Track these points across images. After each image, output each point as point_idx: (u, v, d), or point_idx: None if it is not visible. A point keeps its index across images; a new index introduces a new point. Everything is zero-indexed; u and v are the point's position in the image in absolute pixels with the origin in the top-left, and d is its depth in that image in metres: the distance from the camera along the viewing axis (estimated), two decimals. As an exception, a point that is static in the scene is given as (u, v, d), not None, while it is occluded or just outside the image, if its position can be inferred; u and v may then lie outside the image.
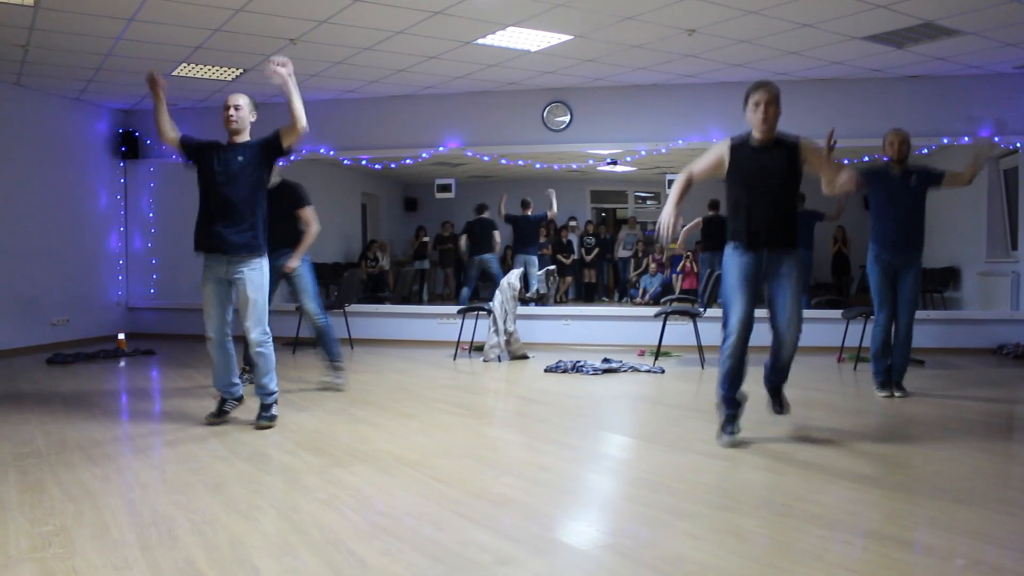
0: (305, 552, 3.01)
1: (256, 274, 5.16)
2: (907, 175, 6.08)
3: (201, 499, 3.70)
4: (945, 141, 9.46)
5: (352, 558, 2.95)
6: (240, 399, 5.44)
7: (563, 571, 2.87)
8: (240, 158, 5.15)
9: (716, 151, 4.68)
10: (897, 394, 6.18)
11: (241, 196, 5.12)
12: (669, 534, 3.20)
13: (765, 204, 4.57)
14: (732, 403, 4.72)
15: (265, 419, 5.22)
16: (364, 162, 11.42)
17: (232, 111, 5.21)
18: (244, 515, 3.45)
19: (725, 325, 4.63)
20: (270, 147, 5.22)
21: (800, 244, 4.68)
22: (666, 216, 4.60)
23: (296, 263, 6.59)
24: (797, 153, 4.58)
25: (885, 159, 6.23)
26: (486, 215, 11.35)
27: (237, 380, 5.40)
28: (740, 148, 4.63)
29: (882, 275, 6.13)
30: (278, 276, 6.69)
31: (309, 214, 6.76)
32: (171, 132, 5.24)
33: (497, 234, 11.32)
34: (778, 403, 5.01)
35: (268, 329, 5.25)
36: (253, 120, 5.31)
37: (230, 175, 5.12)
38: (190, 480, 4.03)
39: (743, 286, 4.58)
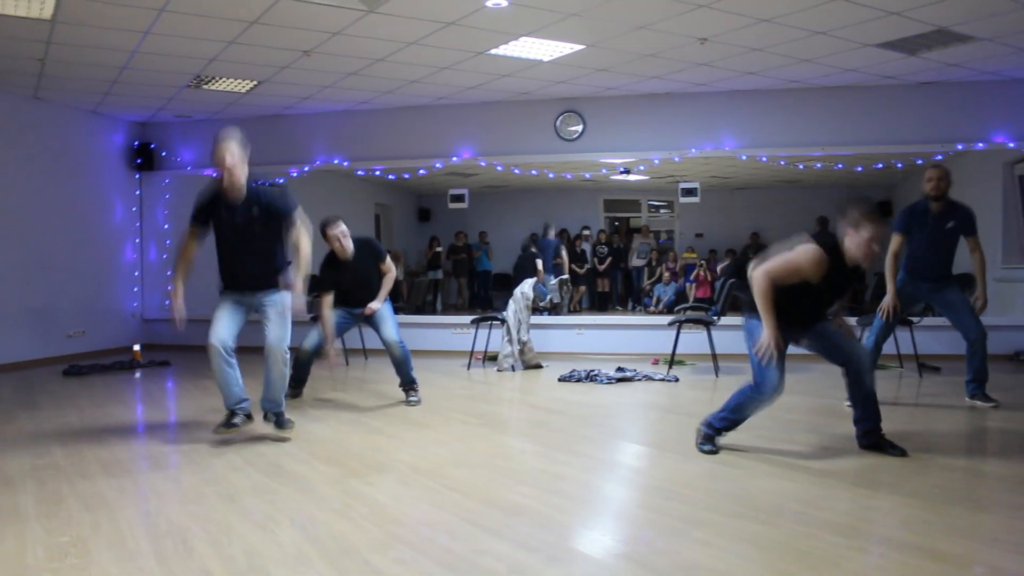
0: (320, 562, 3.01)
1: (284, 296, 5.19)
2: (945, 217, 6.03)
3: (216, 510, 3.71)
4: (960, 147, 9.42)
5: (367, 568, 2.95)
6: (250, 416, 5.31)
7: (578, 580, 2.87)
8: (252, 212, 5.07)
9: (815, 260, 4.29)
10: (989, 404, 6.12)
11: (257, 247, 5.11)
12: (684, 542, 3.19)
13: (815, 304, 4.57)
14: (717, 434, 4.75)
15: (287, 426, 5.23)
16: (377, 172, 11.46)
17: (228, 168, 4.95)
18: (259, 525, 3.46)
19: (759, 386, 4.48)
20: (278, 216, 5.13)
21: None
22: (768, 340, 4.36)
23: (378, 306, 6.60)
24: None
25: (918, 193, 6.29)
26: (533, 250, 12.12)
27: (246, 396, 5.29)
28: (834, 260, 4.36)
29: (902, 304, 6.17)
30: (357, 321, 6.85)
31: (390, 264, 6.78)
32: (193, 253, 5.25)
33: (540, 262, 12.04)
34: (894, 448, 4.61)
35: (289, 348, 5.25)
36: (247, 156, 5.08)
37: (241, 230, 5.07)
38: (205, 491, 4.04)
39: (782, 355, 4.47)
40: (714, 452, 4.65)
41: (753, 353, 4.46)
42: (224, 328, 5.10)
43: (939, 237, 6.06)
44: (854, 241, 4.31)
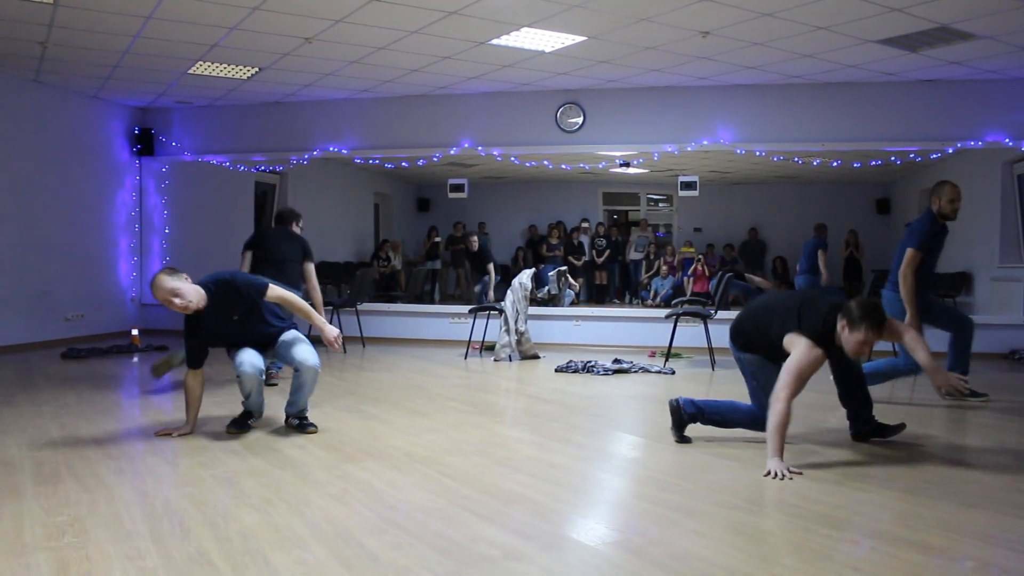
0: (316, 545, 3.03)
1: (290, 331, 5.14)
2: (944, 232, 6.07)
3: (213, 492, 3.74)
4: (959, 145, 9.43)
5: (362, 551, 2.97)
6: (261, 415, 5.25)
7: (572, 567, 2.89)
8: (235, 318, 4.89)
9: (816, 360, 4.20)
10: (980, 399, 6.18)
11: (255, 327, 5.00)
12: (678, 532, 3.21)
13: None
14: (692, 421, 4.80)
15: (309, 430, 5.10)
16: (375, 161, 11.46)
17: (178, 300, 4.61)
18: (255, 508, 3.48)
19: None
20: (252, 297, 4.90)
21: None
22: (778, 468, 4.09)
23: None
24: None
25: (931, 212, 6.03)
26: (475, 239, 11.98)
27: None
28: (828, 345, 4.27)
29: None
30: None
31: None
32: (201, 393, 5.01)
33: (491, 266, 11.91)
34: (893, 428, 4.78)
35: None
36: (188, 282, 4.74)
37: (226, 323, 4.90)
38: (202, 474, 4.06)
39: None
40: (687, 440, 4.76)
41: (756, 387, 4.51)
42: (254, 355, 4.96)
43: (939, 256, 6.06)
44: (848, 339, 4.18)
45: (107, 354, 9.14)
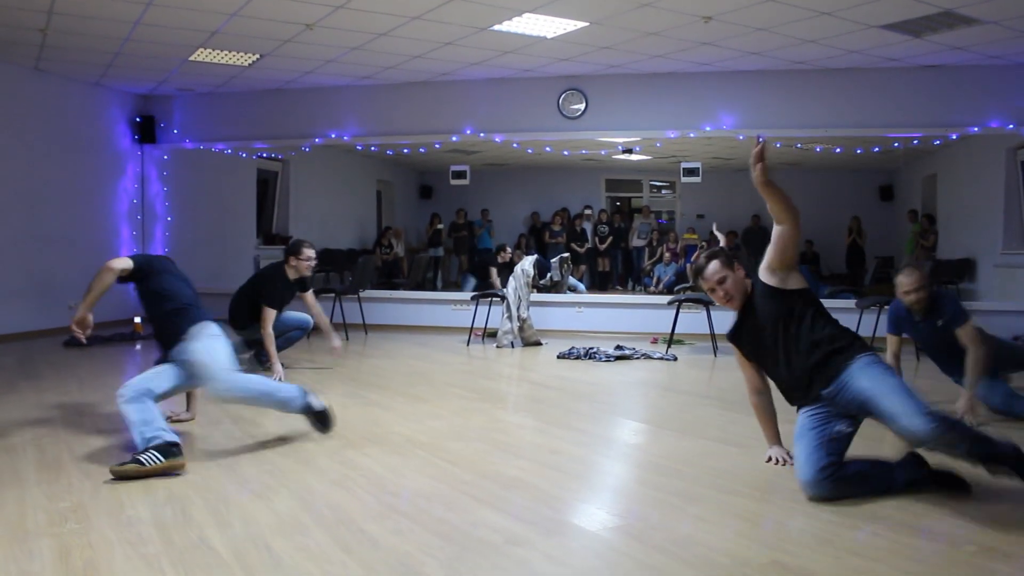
0: (317, 531, 3.04)
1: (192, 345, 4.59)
2: (932, 316, 5.07)
3: (215, 479, 3.74)
4: (962, 132, 9.38)
5: (363, 537, 2.98)
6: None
7: (573, 551, 2.90)
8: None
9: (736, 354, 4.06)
10: None
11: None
12: (679, 517, 3.22)
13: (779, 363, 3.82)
14: None
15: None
16: (376, 149, 11.43)
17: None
18: (257, 495, 3.49)
19: None
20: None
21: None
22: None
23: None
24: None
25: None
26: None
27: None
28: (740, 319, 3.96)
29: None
30: None
31: None
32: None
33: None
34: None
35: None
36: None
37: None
38: (203, 460, 4.07)
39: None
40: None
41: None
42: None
43: (936, 341, 5.21)
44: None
45: (109, 342, 9.15)
